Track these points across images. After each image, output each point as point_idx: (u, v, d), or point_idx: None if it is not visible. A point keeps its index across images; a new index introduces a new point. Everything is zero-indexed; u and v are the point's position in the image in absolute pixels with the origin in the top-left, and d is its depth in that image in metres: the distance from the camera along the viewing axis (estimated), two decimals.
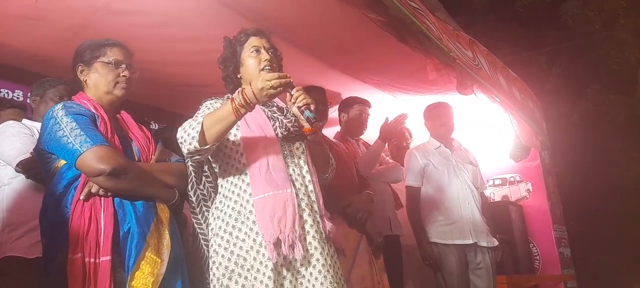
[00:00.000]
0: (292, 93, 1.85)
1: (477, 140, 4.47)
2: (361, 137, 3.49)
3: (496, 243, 3.32)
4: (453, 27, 3.52)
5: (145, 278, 1.67)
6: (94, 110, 1.83)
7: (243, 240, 1.78)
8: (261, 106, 1.95)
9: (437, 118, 3.49)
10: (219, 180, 1.92)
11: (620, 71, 8.42)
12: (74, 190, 1.71)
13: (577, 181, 7.48)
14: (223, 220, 1.83)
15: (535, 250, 4.90)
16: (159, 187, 1.85)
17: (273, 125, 1.92)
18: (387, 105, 4.24)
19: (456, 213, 3.24)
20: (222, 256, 1.78)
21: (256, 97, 1.71)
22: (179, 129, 1.80)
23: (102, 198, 1.71)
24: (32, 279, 2.06)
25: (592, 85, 8.66)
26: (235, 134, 1.89)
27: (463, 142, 3.64)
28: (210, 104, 1.95)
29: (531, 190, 5.05)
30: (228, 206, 1.84)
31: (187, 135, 1.76)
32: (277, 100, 2.05)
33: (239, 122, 1.87)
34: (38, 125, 2.35)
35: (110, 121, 1.86)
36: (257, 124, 1.90)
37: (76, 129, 1.71)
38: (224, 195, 1.88)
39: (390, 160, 3.66)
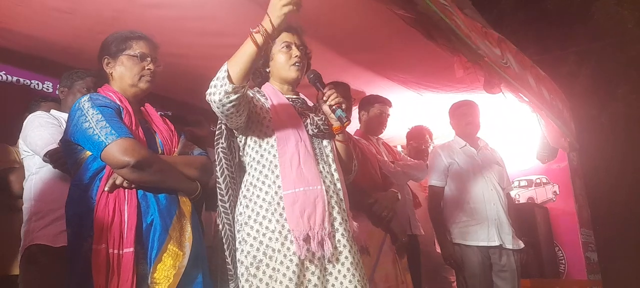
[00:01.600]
0: (324, 91, 1.87)
1: (503, 140, 4.40)
2: (381, 136, 3.46)
3: (522, 245, 3.25)
4: (482, 25, 3.45)
5: (167, 271, 1.69)
6: (119, 103, 1.85)
7: (272, 232, 1.79)
8: (292, 103, 1.96)
9: (463, 116, 3.45)
10: (249, 169, 1.92)
11: None
12: (98, 181, 1.73)
13: (606, 184, 7.30)
14: (252, 210, 1.84)
15: (561, 254, 4.81)
16: (182, 180, 1.86)
17: (304, 122, 1.93)
18: (410, 104, 4.20)
19: (481, 214, 3.19)
20: (251, 245, 1.79)
21: (270, 18, 1.64)
22: (208, 89, 1.74)
23: (126, 190, 1.72)
24: (58, 267, 2.08)
25: (623, 86, 8.44)
26: (267, 125, 1.90)
27: (489, 142, 3.58)
28: None
29: (558, 193, 4.96)
30: (258, 196, 1.85)
31: (216, 80, 1.70)
32: (304, 98, 2.08)
33: (269, 113, 1.89)
34: (66, 116, 2.39)
35: (135, 113, 1.88)
36: (288, 120, 1.91)
37: (102, 120, 1.73)
38: (252, 185, 1.88)
39: (410, 160, 3.63)
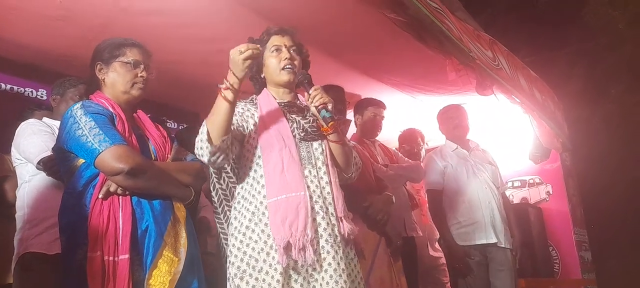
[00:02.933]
0: (310, 92, 1.85)
1: (496, 142, 4.42)
2: (377, 138, 3.48)
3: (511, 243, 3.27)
4: (473, 27, 3.48)
5: (163, 277, 1.69)
6: (111, 110, 1.85)
7: (255, 242, 1.78)
8: (283, 107, 1.95)
9: (450, 120, 3.47)
10: (238, 181, 1.92)
11: None
12: (92, 188, 1.72)
13: (599, 184, 7.34)
14: (239, 221, 1.83)
15: (555, 254, 4.83)
16: (176, 186, 1.86)
17: (291, 127, 1.91)
18: (404, 106, 4.22)
19: (477, 214, 3.21)
20: (236, 256, 1.79)
21: (234, 73, 1.72)
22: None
23: (121, 196, 1.72)
24: (53, 275, 2.10)
25: (615, 87, 8.49)
26: (253, 136, 1.89)
27: (480, 143, 3.60)
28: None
29: (551, 193, 4.99)
30: (244, 207, 1.84)
31: (199, 141, 1.76)
32: (299, 100, 2.06)
33: (257, 123, 1.88)
34: (58, 123, 2.37)
35: (128, 120, 1.87)
36: (274, 126, 1.89)
37: (95, 128, 1.72)
38: (242, 196, 1.88)
39: (407, 161, 3.64)
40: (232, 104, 1.73)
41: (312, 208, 1.79)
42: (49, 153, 2.22)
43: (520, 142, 4.76)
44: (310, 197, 1.80)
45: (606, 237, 6.86)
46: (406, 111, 4.27)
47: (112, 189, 1.71)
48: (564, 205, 4.91)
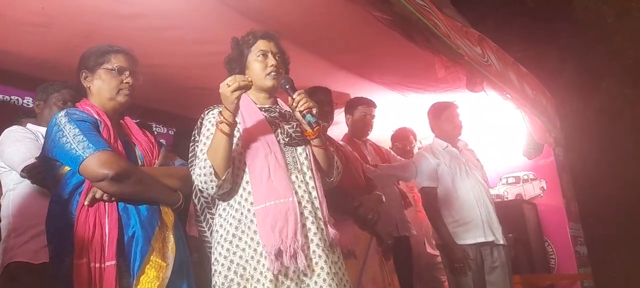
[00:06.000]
0: (293, 97, 1.85)
1: (488, 138, 4.42)
2: (369, 137, 3.46)
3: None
4: (461, 24, 3.48)
5: (151, 282, 1.68)
6: (97, 117, 1.84)
7: (243, 250, 1.77)
8: (264, 113, 1.94)
9: (448, 121, 3.41)
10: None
11: (635, 65, 8.25)
12: (78, 195, 1.72)
13: (593, 178, 7.36)
14: (225, 229, 1.82)
15: (551, 249, 4.83)
16: (163, 191, 1.86)
17: (275, 132, 1.90)
18: (396, 105, 4.21)
19: (471, 212, 3.19)
20: (222, 265, 1.77)
21: (226, 107, 1.75)
22: (194, 177, 1.82)
23: (107, 203, 1.72)
24: (39, 285, 2.07)
25: (606, 80, 8.51)
26: (237, 143, 1.88)
27: (474, 141, 3.59)
28: (212, 115, 1.93)
29: (545, 188, 4.98)
30: (230, 215, 1.83)
31: (203, 176, 1.77)
32: (280, 105, 2.05)
33: (240, 131, 1.87)
34: (42, 129, 2.35)
35: (114, 127, 1.87)
36: (258, 132, 1.88)
37: (79, 135, 1.72)
38: (227, 203, 1.86)
39: (399, 159, 3.63)
40: (231, 136, 1.77)
41: (302, 213, 1.79)
42: (33, 160, 2.19)
43: (513, 139, 4.75)
44: (299, 203, 1.80)
45: (601, 231, 6.87)
46: (397, 110, 4.25)
47: (97, 196, 1.70)
48: (559, 200, 4.90)
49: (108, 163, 1.68)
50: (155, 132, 3.87)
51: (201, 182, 1.78)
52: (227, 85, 1.73)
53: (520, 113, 4.01)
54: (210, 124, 1.90)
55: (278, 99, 2.08)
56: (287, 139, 1.90)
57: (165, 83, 3.34)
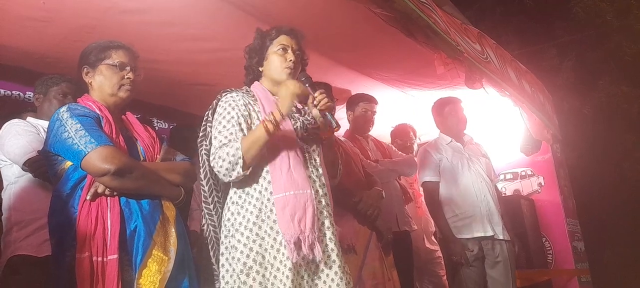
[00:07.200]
0: (315, 95, 1.87)
1: (487, 135, 4.42)
2: (370, 133, 3.47)
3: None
4: (461, 21, 3.49)
5: (153, 276, 1.69)
6: (98, 112, 1.85)
7: (263, 238, 1.80)
8: None
9: (451, 116, 3.42)
10: None
11: (633, 63, 8.28)
12: (80, 190, 1.73)
13: (590, 174, 7.39)
14: (244, 216, 1.84)
15: (548, 245, 4.85)
16: (164, 186, 1.87)
17: (294, 126, 1.94)
18: (395, 101, 4.22)
19: (473, 207, 3.20)
20: (242, 252, 1.80)
21: (280, 109, 1.79)
22: (213, 158, 1.83)
23: (109, 198, 1.72)
24: (42, 278, 2.08)
25: (604, 78, 8.54)
26: None
27: (474, 137, 3.60)
28: (231, 98, 1.94)
29: (543, 184, 5.01)
30: (249, 202, 1.86)
31: (228, 163, 1.79)
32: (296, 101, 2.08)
33: (260, 121, 1.89)
34: (43, 123, 2.37)
35: (115, 122, 1.88)
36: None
37: (81, 130, 1.73)
38: (243, 191, 1.88)
39: (400, 155, 3.63)
40: (272, 136, 1.80)
41: (317, 207, 1.84)
42: (34, 153, 2.19)
43: (511, 135, 4.77)
44: (315, 196, 1.85)
45: (598, 227, 6.91)
46: (397, 106, 4.27)
47: (99, 190, 1.71)
48: (556, 196, 4.93)
49: (110, 158, 1.69)
50: (156, 128, 3.88)
51: (223, 167, 1.80)
52: (289, 88, 1.80)
53: (519, 109, 4.03)
54: (230, 106, 1.92)
55: None
56: (305, 134, 1.94)
57: (166, 79, 3.34)
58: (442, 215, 3.23)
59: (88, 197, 1.69)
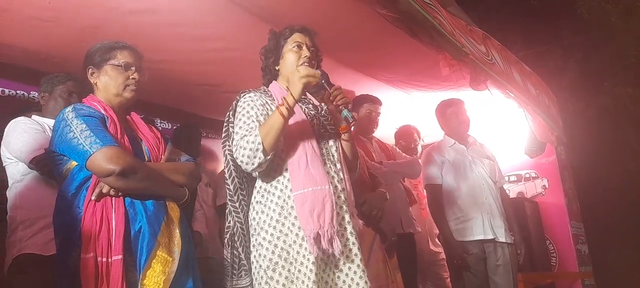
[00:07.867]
0: (331, 91, 1.91)
1: (491, 136, 4.41)
2: (374, 134, 3.47)
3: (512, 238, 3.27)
4: (466, 22, 3.48)
5: (157, 277, 1.70)
6: (103, 112, 1.86)
7: (286, 235, 1.85)
8: (299, 104, 1.99)
9: (454, 117, 3.43)
10: (260, 174, 1.97)
11: (639, 64, 8.25)
12: (85, 190, 1.74)
13: (595, 177, 7.36)
14: (267, 215, 1.89)
15: (552, 247, 4.83)
16: (169, 186, 1.87)
17: (310, 122, 1.97)
18: (400, 103, 4.22)
19: (474, 209, 3.20)
20: (267, 249, 1.84)
21: (292, 94, 1.83)
22: (236, 149, 1.87)
23: (113, 198, 1.73)
24: (48, 277, 2.07)
25: (609, 79, 8.50)
26: None
27: (478, 138, 3.59)
28: (249, 97, 1.98)
29: (547, 187, 4.98)
30: (271, 201, 1.90)
31: (249, 151, 1.82)
32: (310, 98, 2.12)
33: None
34: (48, 121, 2.38)
35: (120, 122, 1.89)
36: (295, 121, 1.94)
37: (86, 130, 1.74)
38: (265, 190, 1.93)
39: (404, 156, 3.63)
40: (287, 120, 1.84)
41: (336, 202, 1.87)
42: (40, 151, 2.20)
43: (515, 137, 4.75)
44: (334, 191, 1.88)
45: (602, 230, 6.87)
46: (401, 107, 4.26)
47: (104, 191, 1.72)
48: (560, 199, 4.90)
49: (115, 158, 1.69)
50: (160, 128, 3.88)
51: (245, 156, 1.83)
52: (298, 72, 1.84)
53: (523, 111, 4.02)
54: (248, 105, 1.96)
55: (306, 92, 2.13)
56: (322, 131, 1.98)
57: (170, 79, 3.34)
58: (444, 217, 3.23)
59: (93, 197, 1.70)
